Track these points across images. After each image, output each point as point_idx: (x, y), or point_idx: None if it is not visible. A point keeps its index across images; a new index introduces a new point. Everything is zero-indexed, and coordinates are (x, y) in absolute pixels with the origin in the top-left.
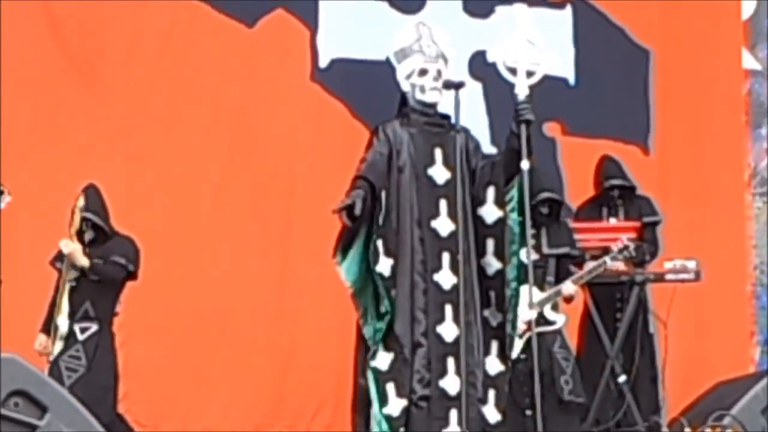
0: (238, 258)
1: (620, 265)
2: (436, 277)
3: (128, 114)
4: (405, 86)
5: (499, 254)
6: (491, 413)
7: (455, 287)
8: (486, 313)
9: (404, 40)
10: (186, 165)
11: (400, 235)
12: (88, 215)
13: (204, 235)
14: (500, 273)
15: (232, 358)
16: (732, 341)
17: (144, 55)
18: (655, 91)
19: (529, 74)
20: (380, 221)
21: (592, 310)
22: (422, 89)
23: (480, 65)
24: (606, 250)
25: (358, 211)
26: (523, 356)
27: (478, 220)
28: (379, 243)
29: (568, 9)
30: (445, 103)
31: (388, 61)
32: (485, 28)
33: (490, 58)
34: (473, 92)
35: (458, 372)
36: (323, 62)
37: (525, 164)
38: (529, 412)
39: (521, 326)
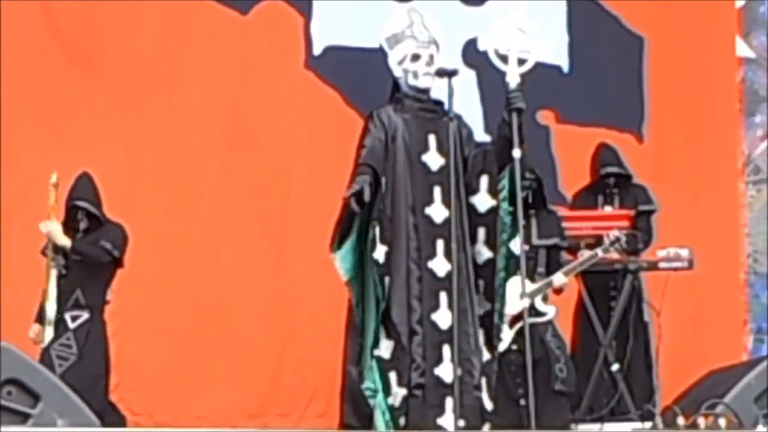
0: (233, 247)
1: (613, 254)
2: (431, 264)
3: (125, 104)
4: (397, 72)
5: (490, 243)
6: (486, 401)
7: (450, 274)
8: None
9: (396, 26)
10: (182, 153)
11: (394, 222)
12: (82, 204)
13: (199, 224)
14: (491, 262)
15: (226, 347)
16: (725, 329)
17: (140, 45)
18: (650, 79)
19: (521, 62)
20: (380, 207)
21: (586, 299)
22: (415, 75)
23: (473, 53)
24: (600, 239)
25: (367, 197)
26: (514, 347)
27: (471, 209)
28: (377, 230)
29: None
30: (438, 91)
31: (382, 49)
32: (479, 16)
33: (482, 46)
34: (467, 80)
35: (454, 359)
36: (317, 50)
37: (516, 153)
38: (523, 402)
39: (508, 317)
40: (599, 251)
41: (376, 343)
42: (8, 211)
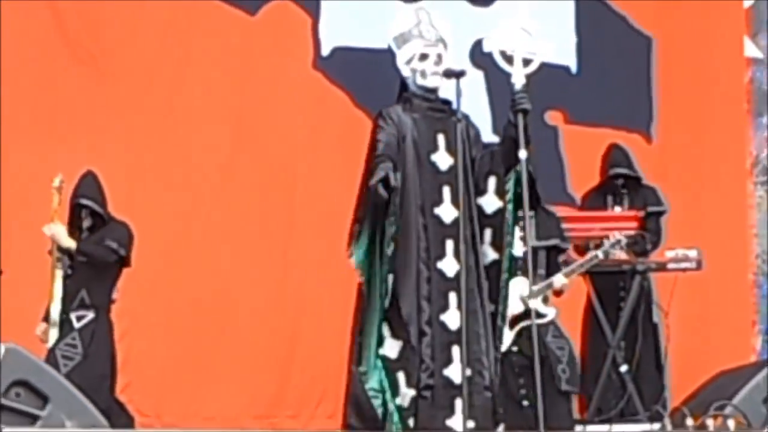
0: (241, 247)
1: (622, 255)
2: (440, 264)
3: (130, 103)
4: (405, 71)
5: (497, 245)
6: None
7: (459, 275)
8: None
9: (403, 25)
10: (188, 153)
11: (404, 220)
12: (87, 202)
13: (206, 224)
14: (496, 263)
15: (234, 348)
16: (733, 330)
17: (146, 44)
18: (657, 80)
19: (526, 63)
20: (396, 203)
21: (595, 301)
22: (423, 74)
23: (481, 54)
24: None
25: (393, 181)
26: (514, 348)
27: (478, 210)
28: (393, 228)
29: None
30: (446, 92)
31: (390, 50)
32: (487, 16)
33: (486, 47)
34: (475, 81)
35: (462, 360)
36: (325, 50)
37: (522, 154)
38: (525, 403)
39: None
40: (599, 253)
41: (380, 343)
42: (9, 210)
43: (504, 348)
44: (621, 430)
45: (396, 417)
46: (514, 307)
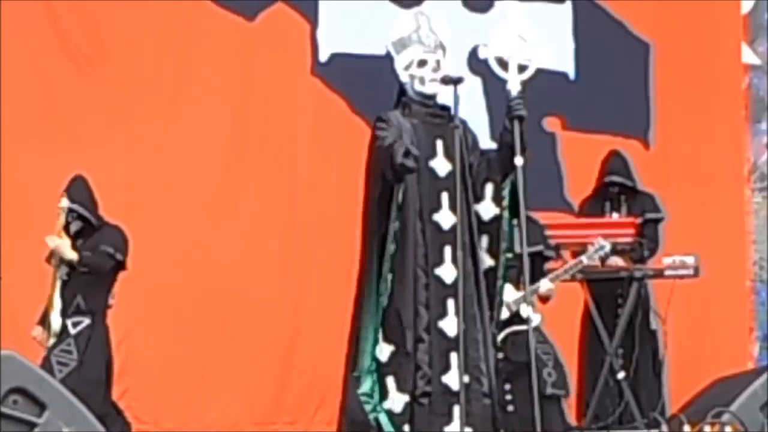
0: (240, 253)
1: (619, 261)
2: (438, 271)
3: (129, 108)
4: (404, 77)
5: (493, 252)
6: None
7: (457, 281)
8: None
9: (402, 30)
10: (187, 158)
11: (403, 225)
12: (74, 206)
13: (205, 230)
14: (492, 270)
15: (233, 355)
16: (731, 337)
17: (144, 50)
18: (655, 86)
19: (522, 69)
20: (399, 199)
21: (592, 307)
22: (421, 81)
23: (478, 60)
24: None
25: (415, 151)
26: (500, 355)
27: (475, 217)
28: (397, 224)
29: (568, 3)
30: (444, 98)
31: (388, 56)
32: (484, 23)
33: (482, 54)
34: (473, 87)
35: (460, 367)
36: (323, 56)
37: (519, 160)
38: (510, 408)
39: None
40: (584, 258)
41: (375, 346)
42: (8, 214)
43: None
44: None
45: (386, 421)
46: (501, 313)
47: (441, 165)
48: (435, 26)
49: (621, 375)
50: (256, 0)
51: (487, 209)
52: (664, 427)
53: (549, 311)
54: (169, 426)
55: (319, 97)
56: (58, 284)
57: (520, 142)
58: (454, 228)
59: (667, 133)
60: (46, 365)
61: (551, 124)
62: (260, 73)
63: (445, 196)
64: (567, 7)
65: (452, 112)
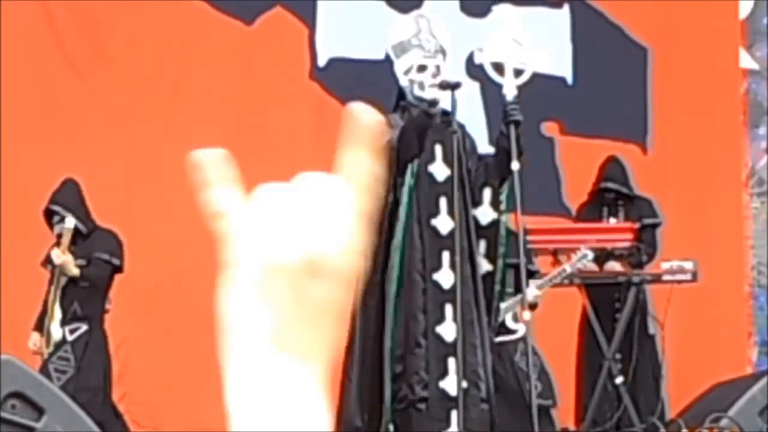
0: None
1: (617, 266)
2: (436, 276)
3: (128, 110)
4: (403, 81)
5: (490, 257)
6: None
7: (455, 286)
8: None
9: (403, 33)
10: (184, 162)
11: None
12: (57, 208)
13: (202, 234)
14: (490, 275)
15: None
16: (729, 342)
17: (143, 52)
18: (653, 91)
19: (517, 74)
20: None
21: (590, 312)
22: (421, 86)
23: (476, 65)
24: (603, 251)
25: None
26: None
27: (473, 221)
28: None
29: (566, 8)
30: (442, 102)
31: (386, 60)
32: (482, 27)
33: (477, 59)
34: (470, 92)
35: (458, 372)
36: (322, 61)
37: (515, 165)
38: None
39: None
40: (567, 267)
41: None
42: (7, 217)
43: None
44: None
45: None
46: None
47: (440, 170)
48: (435, 30)
49: (619, 380)
50: (255, 3)
51: (484, 214)
52: None
53: (547, 316)
54: (167, 430)
55: (317, 101)
56: (58, 295)
57: (517, 147)
58: (452, 233)
59: (666, 137)
60: (44, 373)
61: (549, 128)
62: (259, 77)
63: (443, 201)
64: (565, 12)
65: (450, 116)
